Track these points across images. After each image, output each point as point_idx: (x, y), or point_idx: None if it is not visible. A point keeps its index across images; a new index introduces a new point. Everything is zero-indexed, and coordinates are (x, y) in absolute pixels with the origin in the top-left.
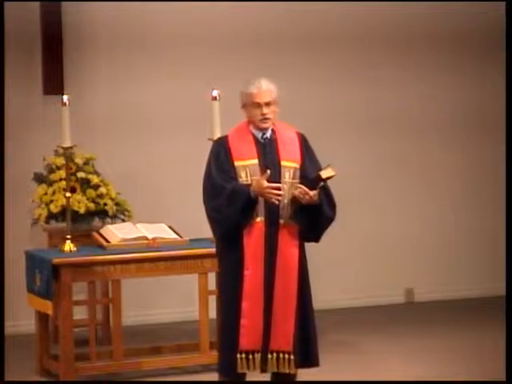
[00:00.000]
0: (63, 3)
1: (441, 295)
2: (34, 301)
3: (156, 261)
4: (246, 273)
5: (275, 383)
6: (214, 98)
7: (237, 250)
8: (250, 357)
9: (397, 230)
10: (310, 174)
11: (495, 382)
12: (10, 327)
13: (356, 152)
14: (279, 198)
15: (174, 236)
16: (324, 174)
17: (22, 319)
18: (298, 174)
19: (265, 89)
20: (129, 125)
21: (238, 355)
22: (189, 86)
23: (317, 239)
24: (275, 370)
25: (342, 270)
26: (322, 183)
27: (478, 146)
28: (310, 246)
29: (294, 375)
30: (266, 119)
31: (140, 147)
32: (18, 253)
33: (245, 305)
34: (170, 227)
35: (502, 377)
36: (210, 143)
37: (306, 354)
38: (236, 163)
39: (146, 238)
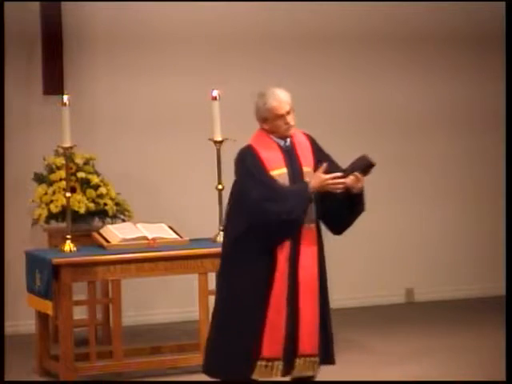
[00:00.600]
0: (63, 3)
1: (441, 295)
2: (34, 301)
3: (156, 261)
4: (276, 278)
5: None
6: (214, 98)
7: (270, 254)
8: (270, 364)
9: (397, 230)
10: (333, 168)
11: (495, 382)
12: (9, 327)
13: (356, 151)
14: (342, 186)
15: (174, 236)
16: (373, 160)
17: (22, 319)
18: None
19: (284, 99)
20: (129, 125)
21: (259, 362)
22: (189, 85)
23: (341, 232)
24: (302, 374)
25: (343, 270)
26: (370, 171)
27: (479, 145)
28: None
29: (315, 376)
30: (290, 127)
31: (140, 147)
32: (18, 253)
33: (270, 311)
34: (170, 227)
35: (502, 377)
36: (211, 143)
37: (326, 353)
38: (272, 173)
39: (146, 238)
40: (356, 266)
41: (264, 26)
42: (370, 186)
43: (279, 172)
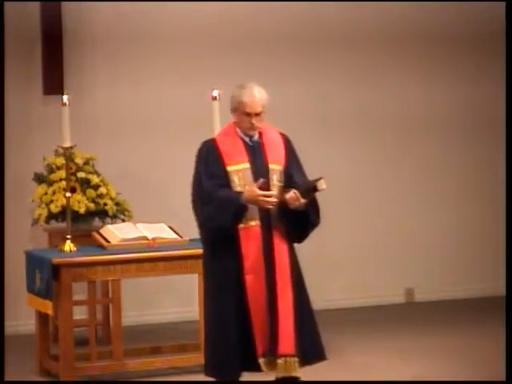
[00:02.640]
0: (63, 3)
1: (441, 295)
2: (34, 301)
3: (156, 261)
4: (248, 277)
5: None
6: (214, 98)
7: (233, 255)
8: (266, 360)
9: (397, 230)
10: (293, 176)
11: (495, 382)
12: (10, 327)
13: (355, 153)
14: (273, 205)
15: (174, 236)
16: (320, 186)
17: (22, 319)
18: (282, 176)
19: (258, 99)
20: (129, 125)
21: (261, 359)
22: (189, 85)
23: (299, 241)
24: (285, 374)
25: (342, 269)
26: (314, 194)
27: (478, 145)
28: (309, 247)
29: (299, 377)
30: (254, 128)
31: (140, 147)
32: (18, 253)
33: (253, 310)
34: (170, 227)
35: (502, 377)
36: None
37: (315, 350)
38: (228, 168)
39: (146, 238)
40: (356, 265)
41: (264, 27)
42: (370, 186)
43: (241, 167)
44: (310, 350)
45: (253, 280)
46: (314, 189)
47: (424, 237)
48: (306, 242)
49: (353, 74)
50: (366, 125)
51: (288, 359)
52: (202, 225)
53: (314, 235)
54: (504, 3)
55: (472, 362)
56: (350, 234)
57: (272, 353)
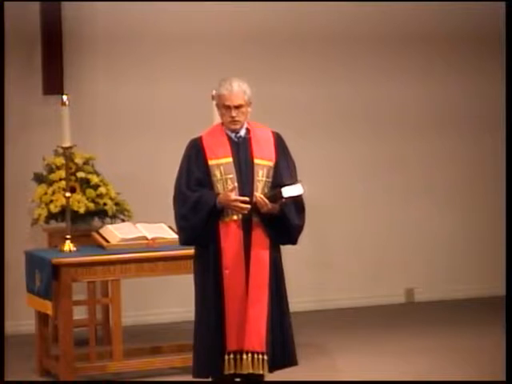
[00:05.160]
0: (63, 3)
1: (441, 295)
2: (34, 301)
3: (156, 261)
4: (226, 272)
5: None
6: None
7: (213, 250)
8: (238, 357)
9: (397, 231)
10: (281, 175)
11: (495, 382)
12: (10, 327)
13: (355, 152)
14: (246, 211)
15: (174, 236)
16: (286, 192)
17: (22, 319)
18: (271, 172)
19: (236, 91)
20: (129, 125)
21: (227, 356)
22: (188, 85)
23: (291, 243)
24: (250, 370)
25: (342, 270)
26: (283, 200)
27: (477, 145)
28: (309, 247)
29: (263, 376)
30: (234, 122)
31: (140, 147)
32: (18, 253)
33: (228, 304)
34: (170, 227)
35: (502, 377)
36: None
37: (284, 354)
38: (210, 162)
39: (146, 238)
40: (356, 265)
41: (262, 27)
42: (370, 186)
43: (223, 161)
44: (282, 354)
45: (231, 276)
46: (279, 195)
47: (424, 237)
48: (307, 242)
49: (356, 72)
50: (368, 126)
51: (256, 356)
52: (177, 224)
53: (314, 235)
54: (504, 3)
55: (472, 362)
56: (349, 234)
57: (241, 348)
